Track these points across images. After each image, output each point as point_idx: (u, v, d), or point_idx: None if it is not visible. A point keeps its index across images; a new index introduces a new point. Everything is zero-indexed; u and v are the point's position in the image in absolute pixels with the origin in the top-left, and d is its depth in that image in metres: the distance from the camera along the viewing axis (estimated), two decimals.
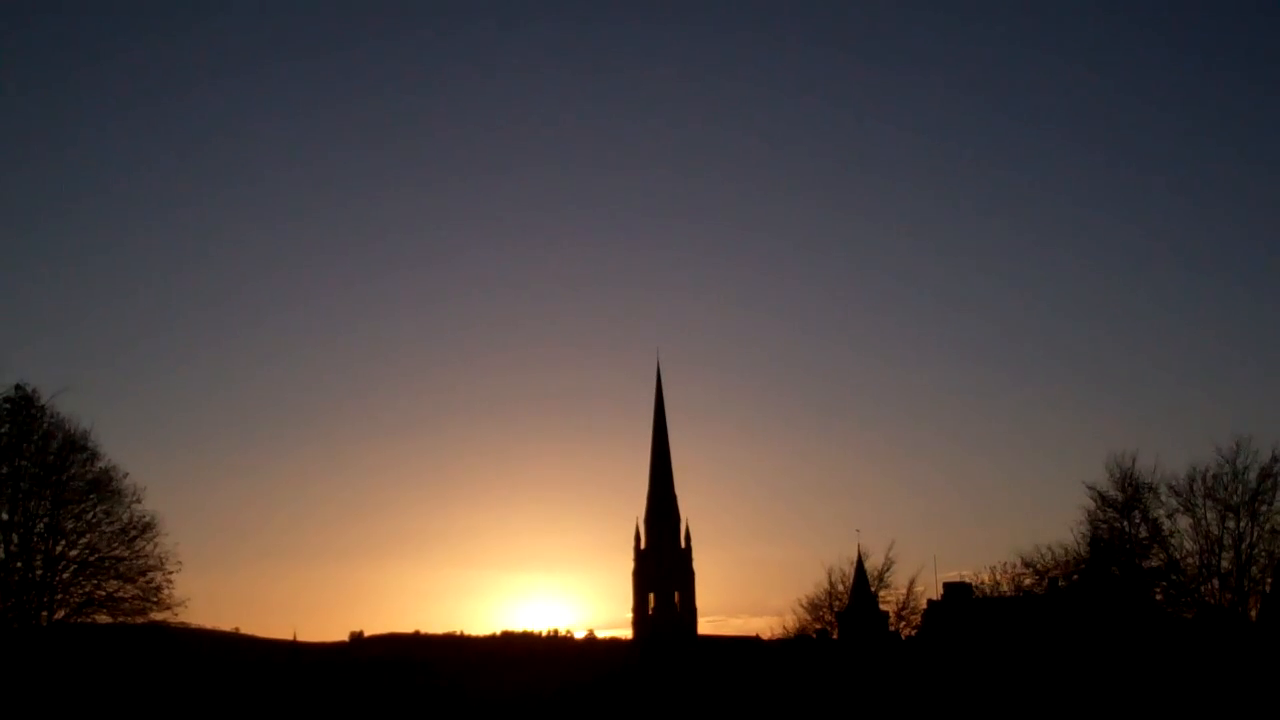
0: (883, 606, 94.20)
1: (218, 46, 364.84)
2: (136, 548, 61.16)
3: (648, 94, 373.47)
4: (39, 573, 59.27)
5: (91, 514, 60.74)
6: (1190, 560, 66.08)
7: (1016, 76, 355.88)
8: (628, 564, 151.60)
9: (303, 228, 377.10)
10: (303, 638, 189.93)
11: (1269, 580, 65.71)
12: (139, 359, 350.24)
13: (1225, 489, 65.23)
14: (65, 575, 60.07)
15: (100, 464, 61.66)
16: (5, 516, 58.71)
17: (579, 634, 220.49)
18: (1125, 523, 68.10)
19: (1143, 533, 67.54)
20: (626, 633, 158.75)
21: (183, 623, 64.05)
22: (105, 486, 61.27)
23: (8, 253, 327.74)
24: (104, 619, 61.36)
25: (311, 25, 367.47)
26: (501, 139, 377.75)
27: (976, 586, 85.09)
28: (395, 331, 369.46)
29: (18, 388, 60.10)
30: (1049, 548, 72.66)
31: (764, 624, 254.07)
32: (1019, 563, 75.72)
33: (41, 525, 59.54)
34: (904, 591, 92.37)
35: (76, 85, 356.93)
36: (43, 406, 60.52)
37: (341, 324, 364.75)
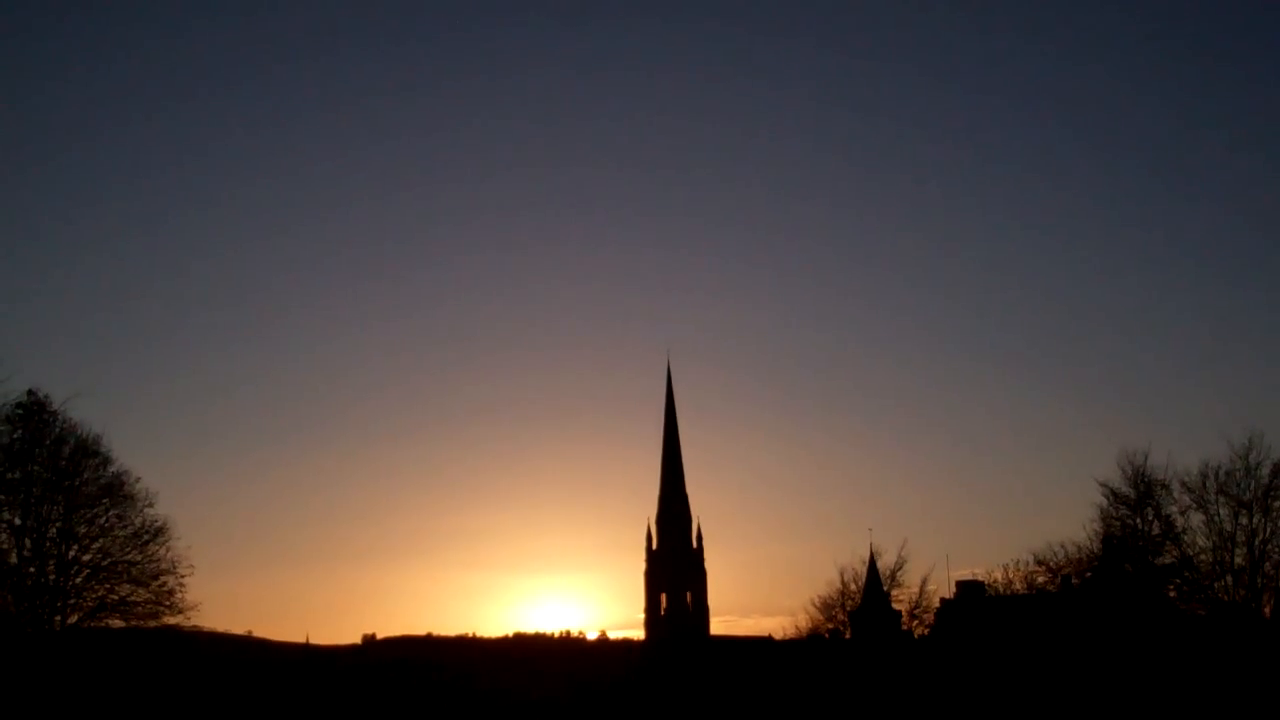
0: (895, 605, 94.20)
1: (227, 47, 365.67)
2: (149, 552, 61.32)
3: (659, 93, 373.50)
4: (52, 577, 59.39)
5: (104, 519, 60.90)
6: (1203, 557, 66.05)
7: (1033, 75, 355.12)
8: (639, 564, 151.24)
9: (313, 231, 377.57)
10: (315, 640, 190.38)
11: None
12: (150, 364, 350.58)
13: (1238, 485, 65.24)
14: (78, 580, 60.19)
15: (112, 469, 61.88)
16: (18, 521, 58.90)
17: (591, 635, 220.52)
18: (1138, 520, 68.02)
19: (1155, 529, 67.43)
20: (639, 633, 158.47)
21: (195, 626, 64.14)
22: (117, 491, 61.43)
23: (18, 258, 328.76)
24: (117, 623, 61.52)
25: (316, 25, 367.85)
26: (511, 138, 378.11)
27: (989, 585, 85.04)
28: (405, 334, 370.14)
29: (30, 393, 60.28)
30: (1062, 545, 72.86)
31: (776, 624, 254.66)
32: (1032, 560, 75.96)
33: (54, 530, 59.65)
34: (916, 590, 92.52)
35: (83, 88, 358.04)
36: (55, 412, 60.71)
37: (352, 327, 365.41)
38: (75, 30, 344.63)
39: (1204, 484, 65.80)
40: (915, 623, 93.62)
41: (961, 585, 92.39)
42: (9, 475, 59.15)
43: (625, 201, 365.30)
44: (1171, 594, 67.95)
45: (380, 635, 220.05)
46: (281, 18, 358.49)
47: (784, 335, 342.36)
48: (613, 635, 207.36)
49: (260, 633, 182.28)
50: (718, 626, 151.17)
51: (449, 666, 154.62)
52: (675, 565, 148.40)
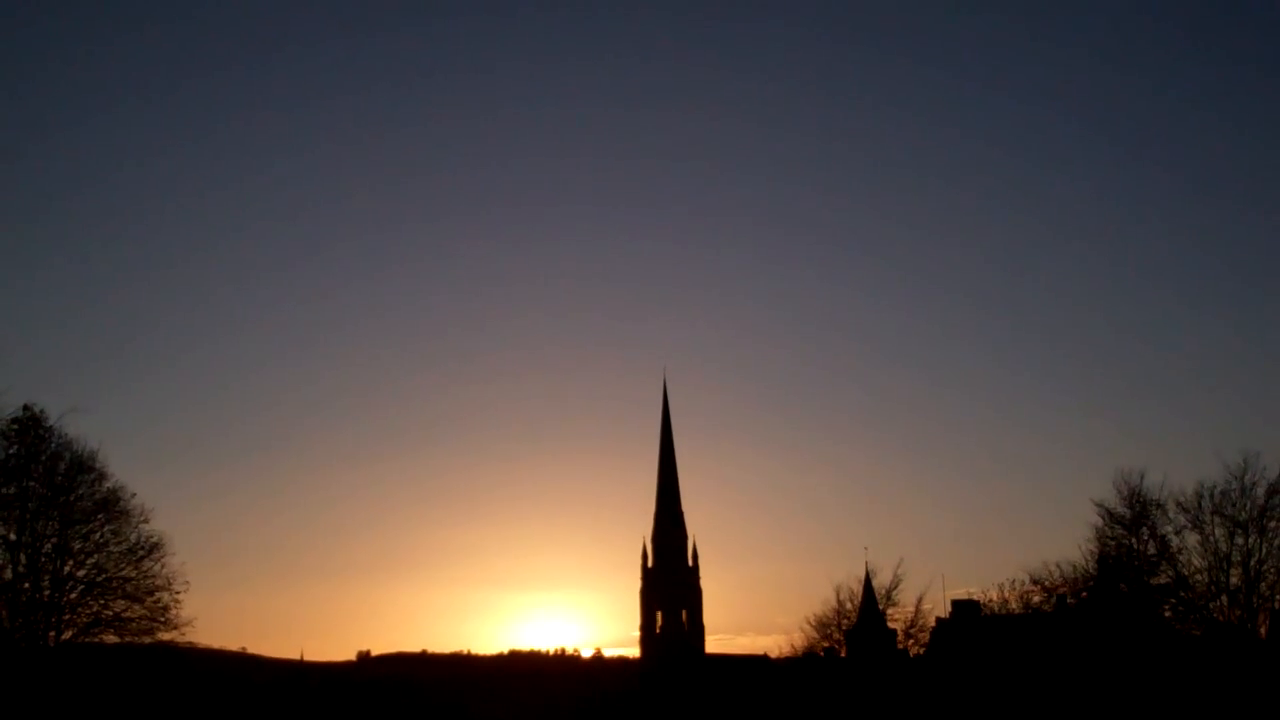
0: (891, 624, 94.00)
1: (226, 43, 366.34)
2: (144, 568, 61.19)
3: (657, 110, 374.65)
4: (47, 593, 59.27)
5: (99, 534, 60.74)
6: (1199, 577, 65.87)
7: (1042, 103, 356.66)
8: (635, 582, 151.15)
9: (308, 252, 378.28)
10: (310, 657, 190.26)
11: (1278, 597, 65.49)
12: (146, 380, 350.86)
13: (1233, 505, 65.07)
14: (73, 595, 60.07)
15: (108, 484, 61.72)
16: (13, 537, 58.74)
17: (586, 653, 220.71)
18: (1133, 540, 67.93)
19: (1151, 549, 67.34)
20: (634, 651, 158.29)
21: (190, 642, 63.94)
22: (113, 506, 61.28)
23: (14, 273, 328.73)
24: (111, 639, 61.32)
25: (314, 18, 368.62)
26: (510, 155, 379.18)
27: (985, 604, 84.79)
28: (402, 353, 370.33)
29: (26, 408, 60.19)
30: (1057, 565, 72.69)
31: (772, 642, 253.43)
32: (1027, 580, 75.73)
33: (49, 545, 59.51)
34: (912, 609, 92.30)
35: (81, 96, 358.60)
36: (50, 427, 60.56)
37: (348, 346, 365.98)
38: (68, 38, 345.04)
39: (1199, 504, 65.70)
40: (910, 642, 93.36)
41: (957, 604, 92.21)
42: (4, 490, 59.08)
43: (623, 219, 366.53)
44: (1167, 614, 67.78)
45: (375, 652, 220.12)
46: (279, 14, 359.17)
47: (781, 354, 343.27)
48: (608, 653, 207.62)
49: (255, 649, 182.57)
50: (713, 645, 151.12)
51: (443, 683, 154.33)
52: (671, 583, 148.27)
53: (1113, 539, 68.71)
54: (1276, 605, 65.59)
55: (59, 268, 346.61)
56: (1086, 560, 70.25)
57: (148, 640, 61.40)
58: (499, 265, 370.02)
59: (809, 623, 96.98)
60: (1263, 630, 65.46)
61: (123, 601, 60.72)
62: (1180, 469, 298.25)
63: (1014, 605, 79.29)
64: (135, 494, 62.37)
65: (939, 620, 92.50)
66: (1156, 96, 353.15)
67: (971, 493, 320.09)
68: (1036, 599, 75.77)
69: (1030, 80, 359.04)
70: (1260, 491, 64.68)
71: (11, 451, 59.52)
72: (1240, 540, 64.68)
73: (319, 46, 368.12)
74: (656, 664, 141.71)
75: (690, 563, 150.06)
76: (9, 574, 58.59)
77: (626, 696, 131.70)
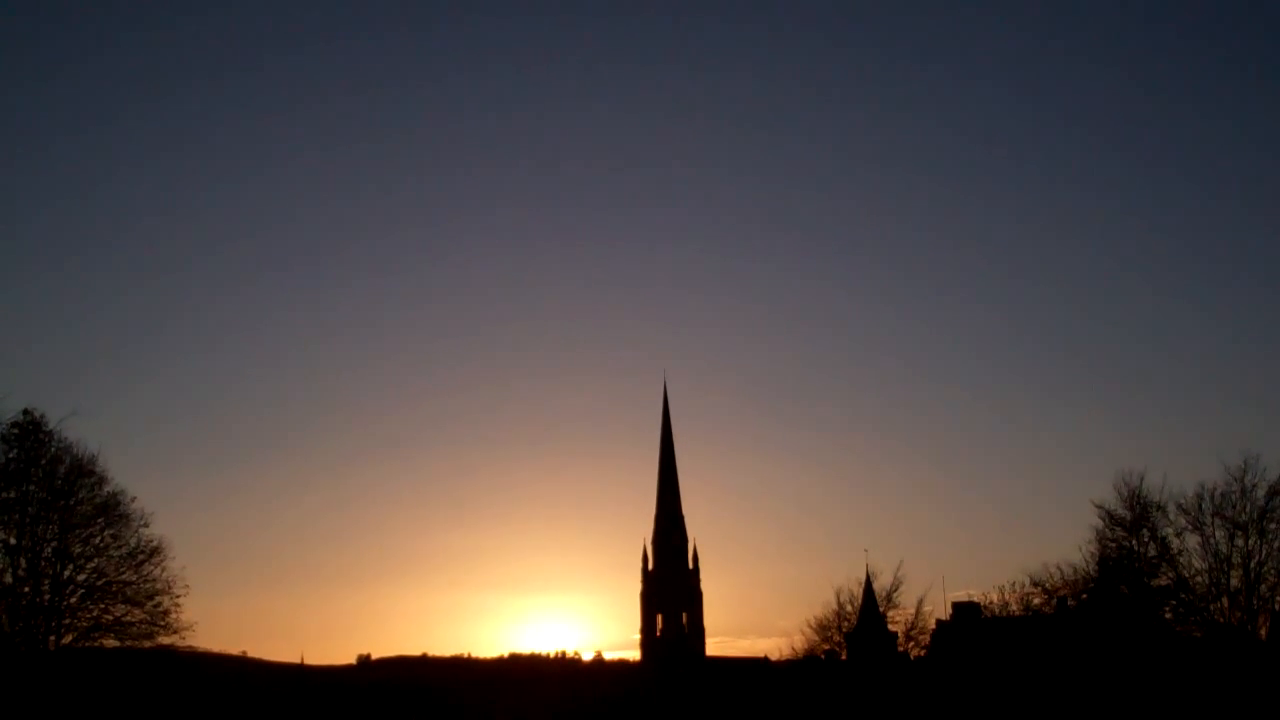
0: (891, 627, 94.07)
1: (223, 45, 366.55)
2: (144, 572, 61.26)
3: (657, 112, 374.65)
4: (47, 597, 59.31)
5: (99, 538, 60.83)
6: (1199, 579, 65.93)
7: (1042, 103, 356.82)
8: (635, 585, 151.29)
9: (313, 249, 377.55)
10: (310, 661, 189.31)
11: (1278, 598, 65.53)
12: (147, 383, 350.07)
13: (1234, 507, 65.15)
14: (73, 599, 60.11)
15: (108, 488, 61.86)
16: (13, 541, 58.80)
17: (587, 655, 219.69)
18: (1134, 541, 67.98)
19: (1151, 551, 67.41)
20: (635, 654, 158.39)
21: (190, 646, 64.00)
22: (113, 510, 61.39)
23: (15, 276, 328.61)
24: (111, 643, 61.39)
25: (311, 20, 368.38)
26: (512, 158, 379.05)
27: (985, 606, 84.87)
28: (402, 355, 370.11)
29: (26, 412, 60.31)
30: (1058, 567, 72.86)
31: (772, 645, 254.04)
32: (1028, 582, 75.90)
33: (49, 549, 59.57)
34: (912, 611, 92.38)
35: (78, 97, 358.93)
36: (51, 431, 60.69)
37: (349, 349, 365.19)
38: (66, 38, 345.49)
39: (1200, 506, 65.80)
40: (911, 644, 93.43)
41: (957, 607, 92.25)
42: (4, 494, 59.18)
43: (623, 221, 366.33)
44: (1167, 616, 67.84)
45: (375, 656, 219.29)
46: (276, 12, 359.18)
47: (781, 357, 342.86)
48: (609, 656, 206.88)
49: (255, 653, 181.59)
50: (713, 648, 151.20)
51: (444, 687, 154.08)
52: (671, 586, 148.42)
53: (1113, 541, 68.81)
54: (1277, 607, 65.64)
55: (59, 271, 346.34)
56: (1087, 562, 70.46)
57: (148, 644, 61.50)
58: (498, 267, 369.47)
59: (809, 625, 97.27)
60: (1263, 632, 65.50)
61: (123, 606, 60.81)
62: (1180, 470, 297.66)
63: (1014, 607, 79.37)
64: (135, 498, 62.60)
65: (939, 622, 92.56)
66: (1157, 97, 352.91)
67: (971, 493, 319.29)
68: (1037, 601, 75.90)
69: (1030, 80, 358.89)
70: (1260, 493, 64.90)
71: (11, 456, 59.63)
72: (1240, 542, 64.81)
73: (319, 46, 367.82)
74: (657, 667, 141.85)
75: (691, 565, 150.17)
76: (9, 578, 58.68)
77: (627, 699, 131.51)
